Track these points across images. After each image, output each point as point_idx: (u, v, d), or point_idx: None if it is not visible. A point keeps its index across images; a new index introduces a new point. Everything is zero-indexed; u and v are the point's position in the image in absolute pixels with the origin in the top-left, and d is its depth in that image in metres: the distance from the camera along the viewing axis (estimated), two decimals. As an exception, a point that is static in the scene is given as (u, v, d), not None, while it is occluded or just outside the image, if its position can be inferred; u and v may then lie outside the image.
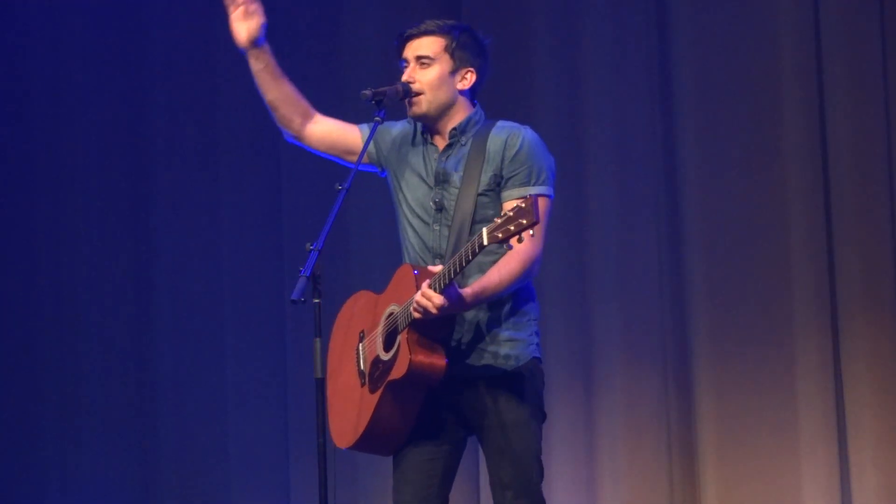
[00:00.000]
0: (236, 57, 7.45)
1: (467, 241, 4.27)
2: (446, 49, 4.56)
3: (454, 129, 4.57)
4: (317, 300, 4.30)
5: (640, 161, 6.92)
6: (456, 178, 4.52)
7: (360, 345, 4.54)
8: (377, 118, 4.54)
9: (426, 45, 4.56)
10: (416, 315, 4.29)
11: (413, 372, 4.33)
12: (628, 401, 6.86)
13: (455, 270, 4.24)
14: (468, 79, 4.59)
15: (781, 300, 6.68)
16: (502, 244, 4.14)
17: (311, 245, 4.29)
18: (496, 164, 4.50)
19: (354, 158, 4.63)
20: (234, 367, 7.40)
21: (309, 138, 4.73)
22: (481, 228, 4.16)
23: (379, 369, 4.44)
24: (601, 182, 6.94)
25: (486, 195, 4.50)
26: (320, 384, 4.32)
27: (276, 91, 4.74)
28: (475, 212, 4.46)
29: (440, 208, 4.52)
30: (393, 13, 7.24)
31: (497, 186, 4.50)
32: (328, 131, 4.72)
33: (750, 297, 6.72)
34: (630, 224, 6.89)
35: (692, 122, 6.82)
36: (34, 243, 7.67)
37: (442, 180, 4.54)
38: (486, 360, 4.50)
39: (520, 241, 4.13)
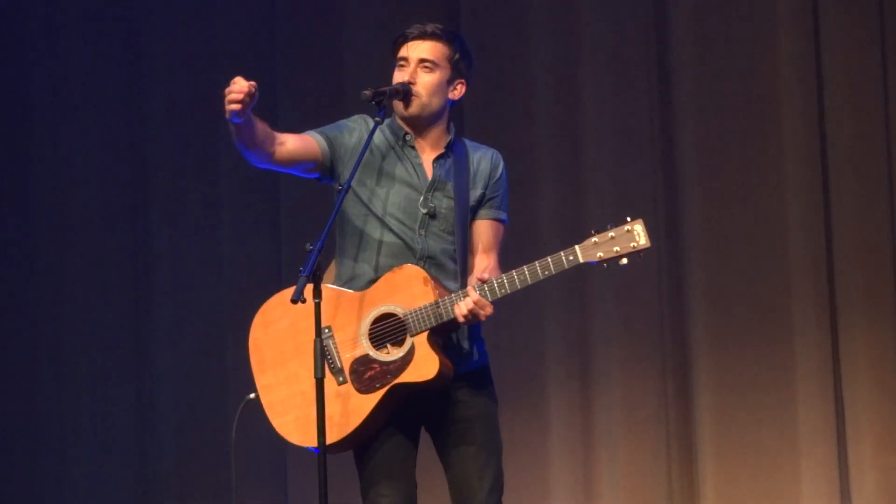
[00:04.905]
0: (236, 56, 7.51)
1: (531, 262, 4.37)
2: (449, 58, 4.57)
3: (451, 141, 4.60)
4: (317, 300, 4.29)
5: (639, 161, 6.91)
6: (450, 187, 4.55)
7: (330, 341, 4.47)
8: (377, 118, 4.51)
9: (430, 49, 4.56)
10: (462, 320, 4.36)
11: (442, 374, 4.38)
12: (627, 400, 6.86)
13: (519, 286, 4.36)
14: (458, 90, 4.61)
15: (781, 300, 6.68)
16: (601, 264, 4.34)
17: (311, 245, 4.28)
18: (483, 183, 4.59)
19: (315, 170, 4.57)
20: (234, 366, 7.39)
21: (280, 160, 4.54)
22: (574, 246, 4.37)
23: (374, 370, 4.42)
24: (600, 181, 6.94)
25: (472, 210, 4.57)
26: (320, 384, 4.30)
27: (258, 137, 4.45)
28: (470, 224, 4.56)
29: (433, 215, 4.53)
30: (393, 13, 7.24)
31: (478, 204, 4.58)
32: (294, 149, 4.55)
33: (749, 297, 6.73)
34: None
35: (692, 121, 6.82)
36: (34, 244, 7.66)
37: (437, 188, 4.56)
38: (465, 357, 4.53)
39: (617, 263, 4.35)
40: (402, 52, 4.58)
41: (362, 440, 4.46)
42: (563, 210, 6.96)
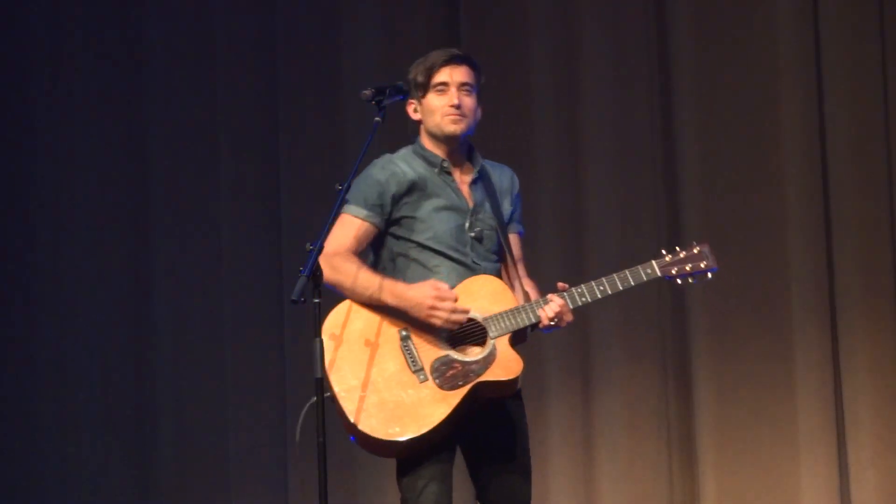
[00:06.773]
0: (236, 57, 7.51)
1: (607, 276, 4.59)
2: (478, 82, 4.73)
3: (483, 165, 4.74)
4: (317, 300, 4.30)
5: (640, 160, 6.92)
6: (488, 208, 4.70)
7: (409, 343, 4.53)
8: (377, 118, 4.54)
9: (467, 73, 4.71)
10: (545, 322, 4.53)
11: (519, 378, 4.50)
12: (628, 400, 6.86)
13: (599, 296, 4.57)
14: (479, 113, 4.75)
15: (781, 299, 6.68)
16: (674, 280, 4.59)
17: (311, 245, 4.29)
18: (509, 200, 4.76)
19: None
20: (234, 367, 7.39)
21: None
22: (650, 261, 4.64)
23: (456, 369, 4.48)
24: (600, 181, 6.94)
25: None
26: (320, 384, 4.30)
27: None
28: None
29: (479, 238, 4.66)
30: (393, 13, 7.24)
31: (508, 220, 4.75)
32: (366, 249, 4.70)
33: (749, 297, 6.73)
34: (629, 223, 6.89)
35: (692, 121, 6.83)
36: (34, 244, 7.66)
37: (476, 211, 4.68)
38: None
39: (688, 280, 4.62)
40: (441, 77, 4.69)
41: (437, 440, 4.48)
42: (563, 210, 6.96)
